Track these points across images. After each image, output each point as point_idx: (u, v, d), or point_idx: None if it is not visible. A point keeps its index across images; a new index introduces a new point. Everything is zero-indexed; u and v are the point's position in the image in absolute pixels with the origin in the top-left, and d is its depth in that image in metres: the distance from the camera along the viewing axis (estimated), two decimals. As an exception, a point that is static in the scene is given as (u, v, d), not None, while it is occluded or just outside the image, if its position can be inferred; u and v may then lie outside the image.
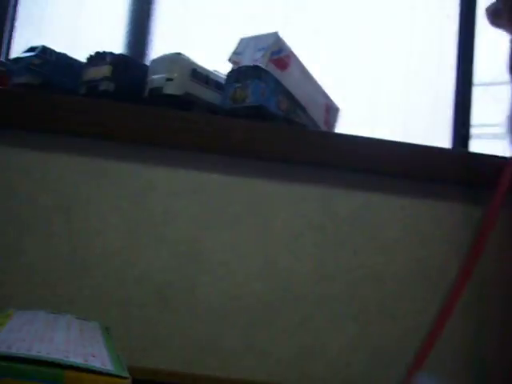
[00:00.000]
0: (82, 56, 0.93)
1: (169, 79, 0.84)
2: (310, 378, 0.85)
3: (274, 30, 0.86)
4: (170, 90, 0.84)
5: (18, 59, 0.90)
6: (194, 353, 0.84)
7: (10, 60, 0.96)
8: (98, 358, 0.44)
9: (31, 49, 0.90)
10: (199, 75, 0.86)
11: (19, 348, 0.41)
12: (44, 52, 0.88)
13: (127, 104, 0.83)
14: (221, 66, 0.93)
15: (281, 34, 0.85)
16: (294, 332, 0.85)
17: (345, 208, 0.88)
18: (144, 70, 0.89)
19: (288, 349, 0.85)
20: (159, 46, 1.23)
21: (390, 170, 0.87)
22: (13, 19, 1.24)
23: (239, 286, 0.85)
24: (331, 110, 0.96)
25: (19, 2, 1.26)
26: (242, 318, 0.85)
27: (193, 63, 0.86)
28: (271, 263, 0.86)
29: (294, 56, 0.87)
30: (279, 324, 0.85)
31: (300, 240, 0.86)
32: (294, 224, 0.87)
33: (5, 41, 1.22)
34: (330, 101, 0.96)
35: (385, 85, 1.21)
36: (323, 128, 0.94)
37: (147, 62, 0.97)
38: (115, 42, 1.22)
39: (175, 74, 0.84)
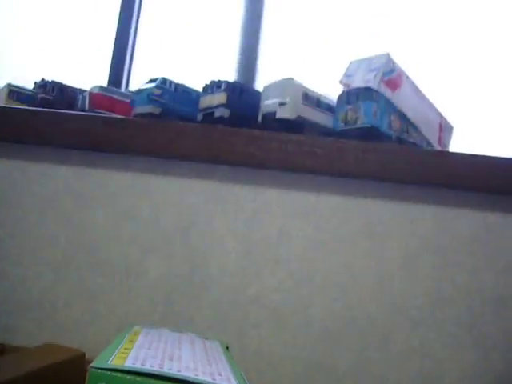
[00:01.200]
0: (197, 85, 0.97)
1: (282, 104, 0.86)
2: (428, 405, 0.82)
3: (384, 52, 0.86)
4: (283, 114, 0.86)
5: (139, 90, 0.96)
6: (307, 374, 0.84)
7: (131, 91, 1.02)
8: (224, 376, 0.46)
9: (151, 80, 0.96)
10: (311, 98, 0.88)
11: (152, 365, 0.43)
12: (164, 83, 0.93)
13: (241, 129, 0.85)
14: (329, 89, 0.94)
15: (392, 55, 0.85)
16: (410, 357, 0.83)
17: (462, 229, 0.85)
18: (257, 96, 0.92)
19: (405, 374, 0.83)
20: (267, 72, 1.27)
21: (508, 188, 0.83)
22: (132, 52, 1.33)
23: (353, 307, 0.85)
24: (445, 129, 0.94)
25: (137, 36, 1.35)
26: (356, 340, 0.84)
27: (304, 87, 0.87)
28: (386, 285, 0.85)
29: (406, 75, 0.87)
30: (395, 348, 0.84)
31: (416, 261, 0.85)
32: (410, 245, 0.85)
33: (125, 73, 1.31)
34: (444, 119, 0.94)
35: (502, 99, 1.16)
36: (437, 147, 0.92)
37: (258, 88, 0.99)
38: (226, 70, 1.27)
39: (288, 99, 0.85)
